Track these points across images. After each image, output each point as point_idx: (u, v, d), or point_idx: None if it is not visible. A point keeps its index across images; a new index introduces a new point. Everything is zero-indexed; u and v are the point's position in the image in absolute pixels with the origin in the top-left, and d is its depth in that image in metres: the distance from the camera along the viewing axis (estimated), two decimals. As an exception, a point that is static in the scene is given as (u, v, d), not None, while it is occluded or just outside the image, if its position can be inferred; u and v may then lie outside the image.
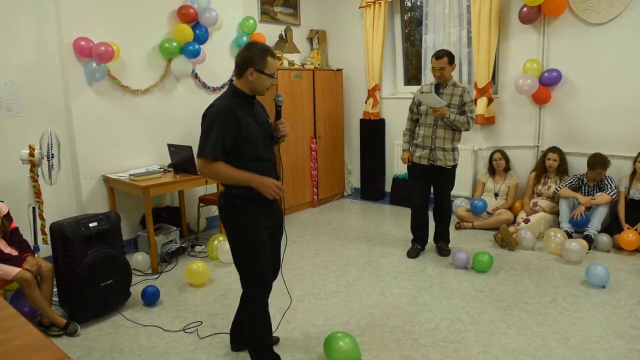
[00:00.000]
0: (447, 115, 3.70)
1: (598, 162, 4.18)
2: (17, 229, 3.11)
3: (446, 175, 3.92)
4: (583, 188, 4.34)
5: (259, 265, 2.34)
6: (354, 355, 2.46)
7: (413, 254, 4.07)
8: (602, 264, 3.42)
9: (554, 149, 4.58)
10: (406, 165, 4.10)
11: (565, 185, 4.37)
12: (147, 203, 3.77)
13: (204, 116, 2.28)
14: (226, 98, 2.30)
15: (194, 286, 3.58)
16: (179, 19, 4.50)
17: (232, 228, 2.33)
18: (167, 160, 4.38)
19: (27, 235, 3.23)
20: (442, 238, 4.14)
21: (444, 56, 3.73)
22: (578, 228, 4.22)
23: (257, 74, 2.24)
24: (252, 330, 2.43)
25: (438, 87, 3.86)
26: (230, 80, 2.38)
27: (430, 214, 4.13)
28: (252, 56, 2.23)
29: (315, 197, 5.85)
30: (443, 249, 4.09)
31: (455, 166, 3.92)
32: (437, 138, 3.81)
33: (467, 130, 3.83)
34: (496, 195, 4.91)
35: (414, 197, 4.09)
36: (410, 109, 4.04)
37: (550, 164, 4.55)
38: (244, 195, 2.26)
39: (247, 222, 2.28)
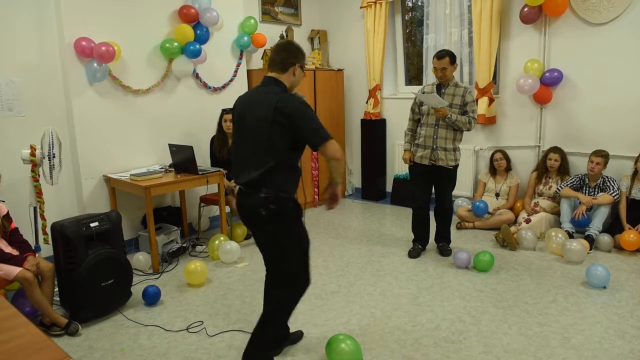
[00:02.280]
0: (449, 116, 3.70)
1: (596, 150, 4.24)
2: (16, 229, 3.11)
3: (447, 175, 3.92)
4: (584, 188, 4.33)
5: (308, 265, 2.40)
6: (356, 358, 2.46)
7: (414, 253, 4.07)
8: (602, 265, 3.41)
9: (555, 149, 4.58)
10: (407, 165, 4.10)
11: (567, 185, 4.36)
12: (148, 203, 3.77)
13: (299, 107, 2.19)
14: (285, 92, 2.30)
15: (194, 286, 3.58)
16: (180, 19, 4.50)
17: (287, 232, 2.31)
18: (168, 160, 4.38)
19: (29, 235, 3.24)
20: (443, 238, 4.14)
21: (446, 56, 3.73)
22: (579, 228, 4.22)
23: (299, 70, 2.33)
24: (272, 332, 2.42)
25: (440, 87, 3.86)
26: (270, 77, 2.34)
27: (432, 214, 4.13)
28: (297, 52, 2.32)
29: (317, 197, 5.85)
30: (444, 249, 4.09)
31: (456, 166, 3.92)
32: (439, 138, 3.81)
33: (468, 130, 3.83)
34: (497, 195, 4.91)
35: (415, 197, 4.09)
36: (412, 109, 4.04)
37: (552, 164, 4.55)
38: (294, 199, 2.32)
39: (300, 224, 2.34)
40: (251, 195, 2.27)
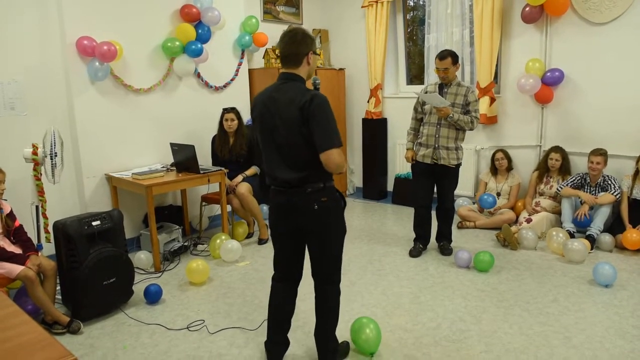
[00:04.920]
0: (451, 115, 3.70)
1: (594, 150, 4.25)
2: (21, 226, 3.13)
3: (450, 175, 3.92)
4: (585, 187, 4.33)
5: None
6: (376, 342, 2.59)
7: (415, 253, 4.07)
8: (610, 263, 3.41)
9: (556, 149, 4.58)
10: (409, 165, 4.10)
11: (567, 184, 4.36)
12: (149, 202, 3.78)
13: (320, 106, 2.11)
14: (307, 88, 2.21)
15: (196, 285, 3.59)
16: (182, 18, 4.51)
17: (338, 222, 2.34)
18: (170, 159, 4.39)
19: (30, 234, 3.24)
20: (445, 237, 4.14)
21: (448, 56, 3.73)
22: (580, 228, 4.22)
23: (313, 56, 2.25)
24: (335, 319, 2.48)
25: (442, 87, 3.86)
26: (290, 73, 2.25)
27: (433, 213, 4.13)
28: (306, 39, 2.22)
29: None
30: (445, 248, 4.09)
31: (459, 165, 3.93)
32: (441, 137, 3.82)
33: (471, 129, 3.83)
34: (498, 194, 4.91)
35: (417, 196, 4.09)
36: (415, 108, 4.04)
37: (553, 164, 4.55)
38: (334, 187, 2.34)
39: (343, 212, 2.37)
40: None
